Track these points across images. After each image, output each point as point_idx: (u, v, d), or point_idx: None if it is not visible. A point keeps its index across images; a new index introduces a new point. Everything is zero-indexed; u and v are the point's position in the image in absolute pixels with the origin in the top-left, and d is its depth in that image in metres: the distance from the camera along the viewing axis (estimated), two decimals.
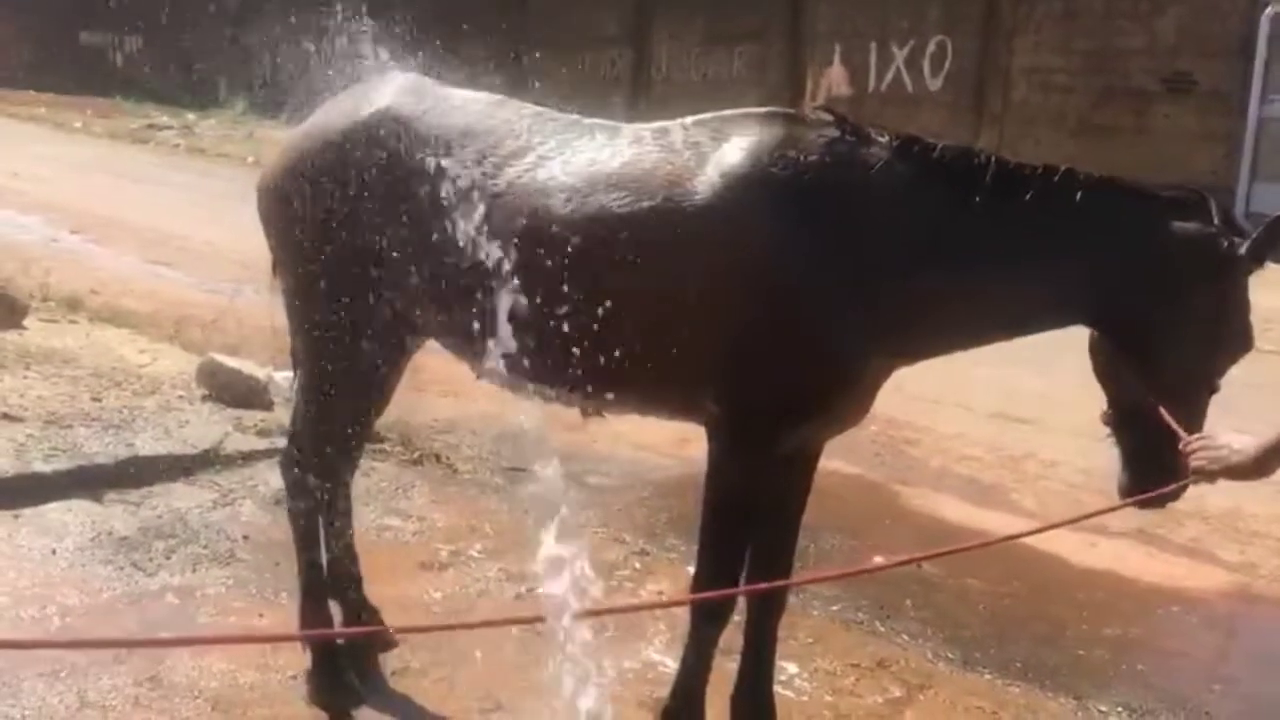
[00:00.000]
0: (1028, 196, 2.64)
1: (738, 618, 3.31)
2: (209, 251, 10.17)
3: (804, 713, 3.55)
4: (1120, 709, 3.81)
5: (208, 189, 13.28)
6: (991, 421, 6.87)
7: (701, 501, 2.95)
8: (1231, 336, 2.66)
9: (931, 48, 15.72)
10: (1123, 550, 5.20)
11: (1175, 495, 2.65)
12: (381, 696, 3.54)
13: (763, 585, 2.98)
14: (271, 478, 5.12)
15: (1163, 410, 2.63)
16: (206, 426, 5.57)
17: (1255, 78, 13.09)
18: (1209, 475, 2.47)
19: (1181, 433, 2.57)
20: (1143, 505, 2.71)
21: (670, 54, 19.28)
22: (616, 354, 2.75)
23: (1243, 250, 2.56)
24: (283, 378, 6.37)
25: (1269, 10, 12.87)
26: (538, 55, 19.27)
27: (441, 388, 6.32)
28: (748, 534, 3.00)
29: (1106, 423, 2.81)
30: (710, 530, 2.94)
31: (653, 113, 3.11)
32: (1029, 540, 5.21)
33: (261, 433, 5.58)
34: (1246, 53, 13.08)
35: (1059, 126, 14.42)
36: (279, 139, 3.91)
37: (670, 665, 3.59)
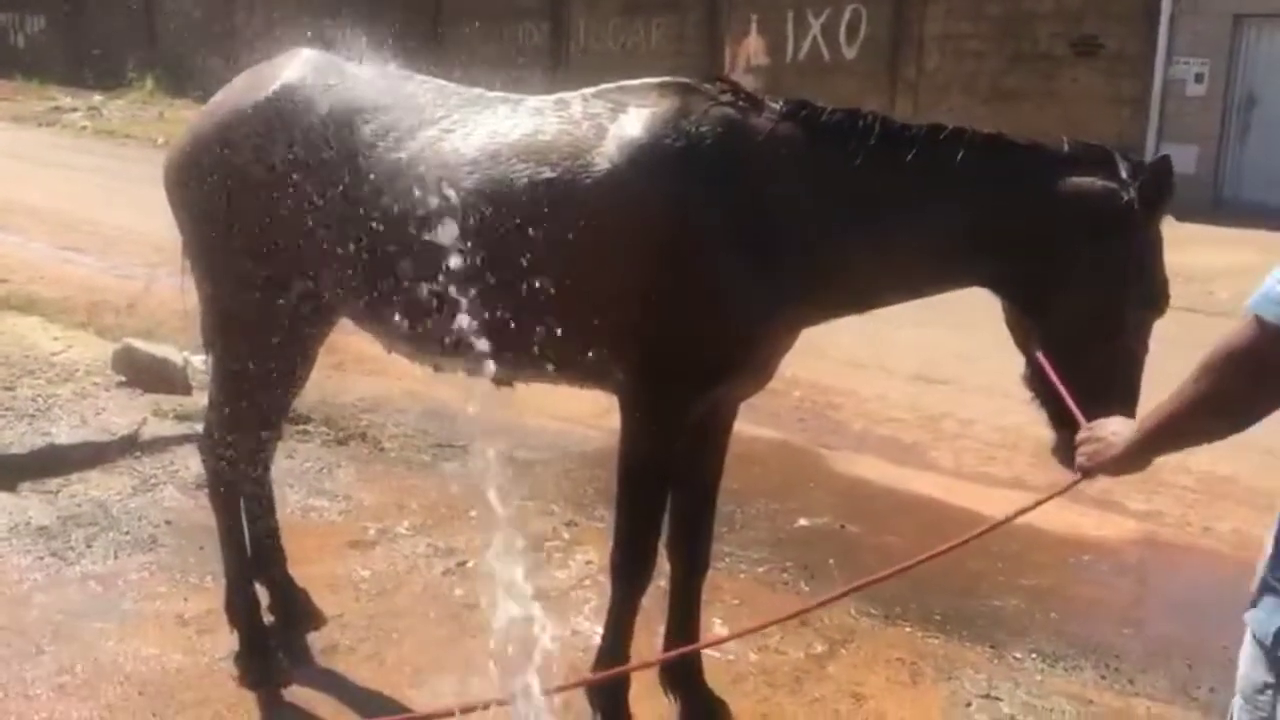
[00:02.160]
0: (914, 155, 2.66)
1: (662, 583, 3.38)
2: (120, 235, 9.96)
3: (730, 671, 3.62)
4: (1034, 655, 3.95)
5: (117, 171, 12.99)
6: (912, 383, 7.01)
7: (616, 469, 3.00)
8: (1140, 293, 2.58)
9: (847, 16, 15.85)
10: None
11: (1065, 492, 2.40)
12: (311, 675, 3.54)
13: (822, 600, 2.98)
14: (192, 462, 5.07)
15: (1061, 388, 2.56)
16: (124, 413, 5.49)
17: (1160, 40, 13.40)
18: (1088, 473, 2.24)
19: (1079, 416, 2.42)
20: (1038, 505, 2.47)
21: (588, 25, 19.20)
22: (523, 324, 2.77)
23: (1131, 196, 2.54)
24: (200, 361, 6.28)
25: None
26: (455, 28, 19.10)
27: (365, 367, 6.29)
28: (664, 500, 3.05)
29: (1028, 386, 2.78)
30: (626, 497, 2.99)
31: (571, 84, 3.11)
32: (945, 497, 5.38)
33: (180, 417, 5.50)
34: (1151, 15, 13.39)
35: (971, 92, 14.66)
36: (189, 118, 3.85)
37: (599, 633, 3.65)
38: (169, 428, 5.38)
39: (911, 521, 5.07)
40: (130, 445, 5.17)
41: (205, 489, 4.75)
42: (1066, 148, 2.67)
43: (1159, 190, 2.53)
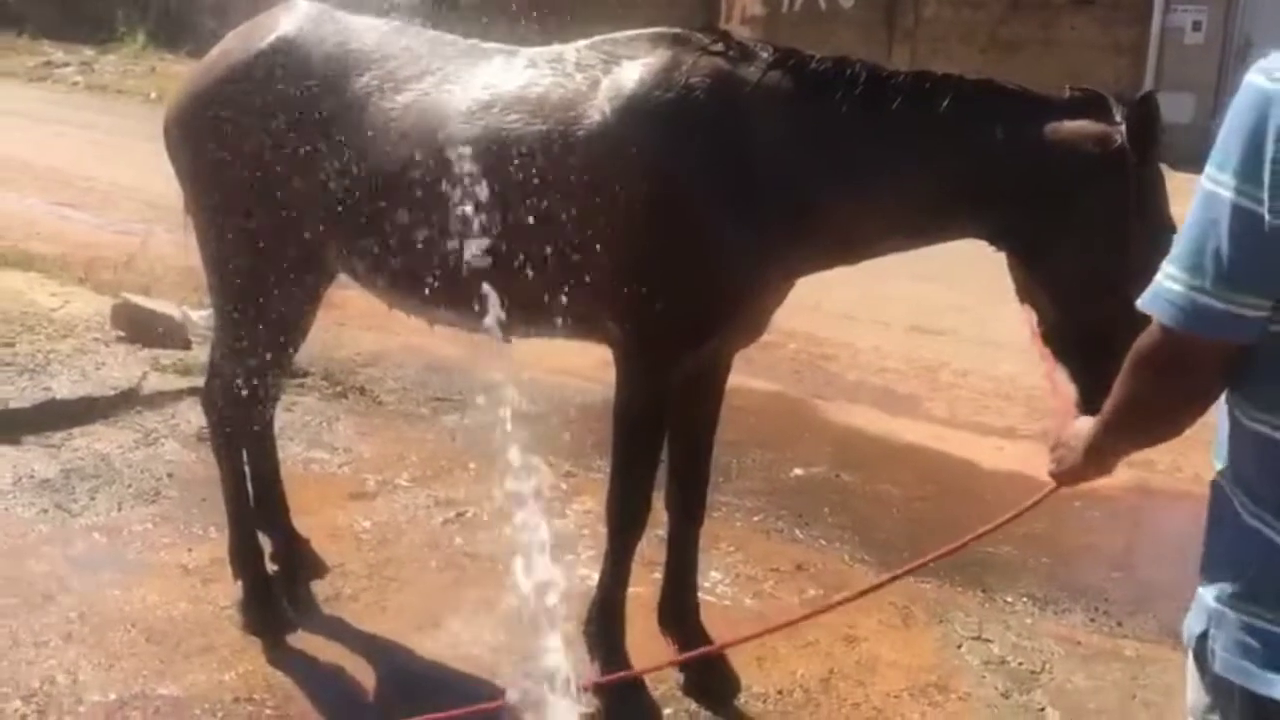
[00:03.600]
0: (900, 103, 2.64)
1: (660, 531, 3.44)
2: (115, 191, 9.93)
3: (727, 617, 3.69)
4: (1025, 599, 4.02)
5: (110, 127, 12.91)
6: (907, 335, 7.05)
7: (612, 421, 3.04)
8: (1141, 242, 2.41)
9: None
10: (1028, 452, 5.39)
11: (1040, 502, 2.33)
12: (314, 623, 3.61)
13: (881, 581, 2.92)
14: (193, 416, 5.11)
15: (1042, 351, 2.52)
16: (124, 367, 5.52)
17: None
18: (1059, 481, 2.10)
19: (1056, 385, 2.37)
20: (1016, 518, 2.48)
21: None
22: (516, 277, 2.80)
23: (1120, 139, 2.47)
24: (199, 316, 6.33)
25: None
26: None
27: (364, 321, 6.31)
28: (658, 451, 3.09)
29: (1045, 342, 2.65)
30: (621, 448, 3.03)
31: (568, 36, 3.12)
32: (940, 445, 5.45)
33: (180, 371, 5.54)
34: None
35: (969, 41, 14.56)
36: (181, 73, 3.85)
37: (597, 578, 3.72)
38: (169, 382, 5.42)
39: (906, 470, 5.14)
40: (131, 399, 5.21)
41: (207, 442, 4.83)
42: (1058, 94, 2.63)
43: (1145, 130, 2.46)
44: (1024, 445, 5.46)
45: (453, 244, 2.76)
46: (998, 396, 6.11)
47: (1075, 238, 2.54)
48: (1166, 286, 1.53)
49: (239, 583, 3.59)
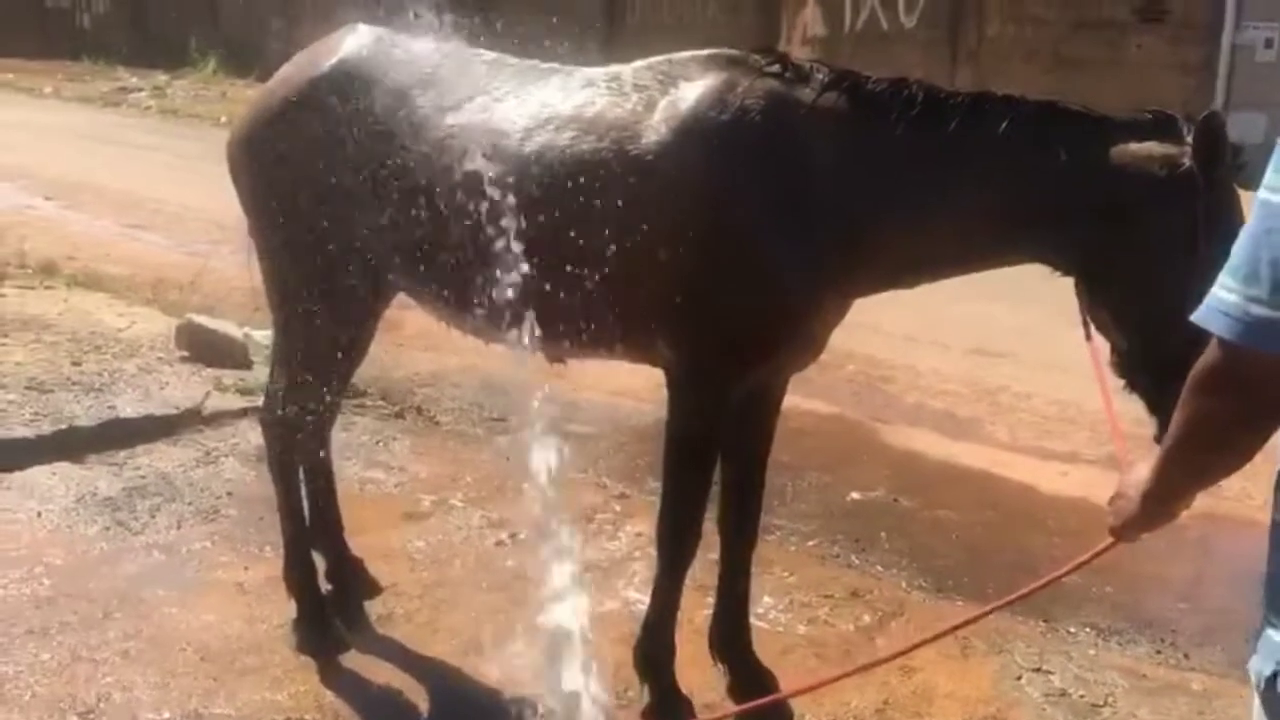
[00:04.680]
0: (958, 125, 2.59)
1: (712, 555, 3.40)
2: (184, 213, 10.12)
3: (779, 643, 3.64)
4: (1089, 629, 3.92)
5: (181, 150, 13.18)
6: (967, 357, 6.95)
7: (664, 443, 3.02)
8: (1211, 267, 2.37)
9: None
10: (1094, 477, 5.28)
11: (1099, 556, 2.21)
12: (367, 642, 3.62)
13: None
14: (253, 435, 5.15)
15: (1102, 381, 2.43)
16: (187, 387, 5.61)
17: (1228, 5, 13.04)
18: (1118, 535, 1.97)
19: (1112, 417, 2.26)
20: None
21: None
22: (572, 298, 2.79)
23: (1188, 161, 2.38)
24: (261, 336, 6.40)
25: None
26: (509, 2, 19.06)
27: (422, 342, 6.35)
28: (710, 474, 3.06)
29: (1116, 371, 2.58)
30: (672, 471, 3.01)
31: (626, 57, 3.12)
32: (1000, 470, 5.35)
33: (242, 391, 5.61)
34: None
35: (1033, 61, 14.36)
36: (250, 98, 3.91)
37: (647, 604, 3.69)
38: (231, 401, 5.50)
39: (965, 495, 5.05)
40: (193, 418, 5.29)
41: (265, 461, 4.90)
42: (1125, 114, 2.56)
43: (1211, 150, 2.36)
44: (1087, 471, 5.34)
45: (509, 265, 2.76)
46: (1061, 421, 5.99)
47: (1141, 263, 2.45)
48: (1220, 297, 1.48)
49: (293, 602, 3.61)
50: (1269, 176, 1.42)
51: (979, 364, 6.83)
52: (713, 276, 2.74)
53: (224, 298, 7.16)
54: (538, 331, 2.87)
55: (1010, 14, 14.82)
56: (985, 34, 14.99)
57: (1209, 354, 1.52)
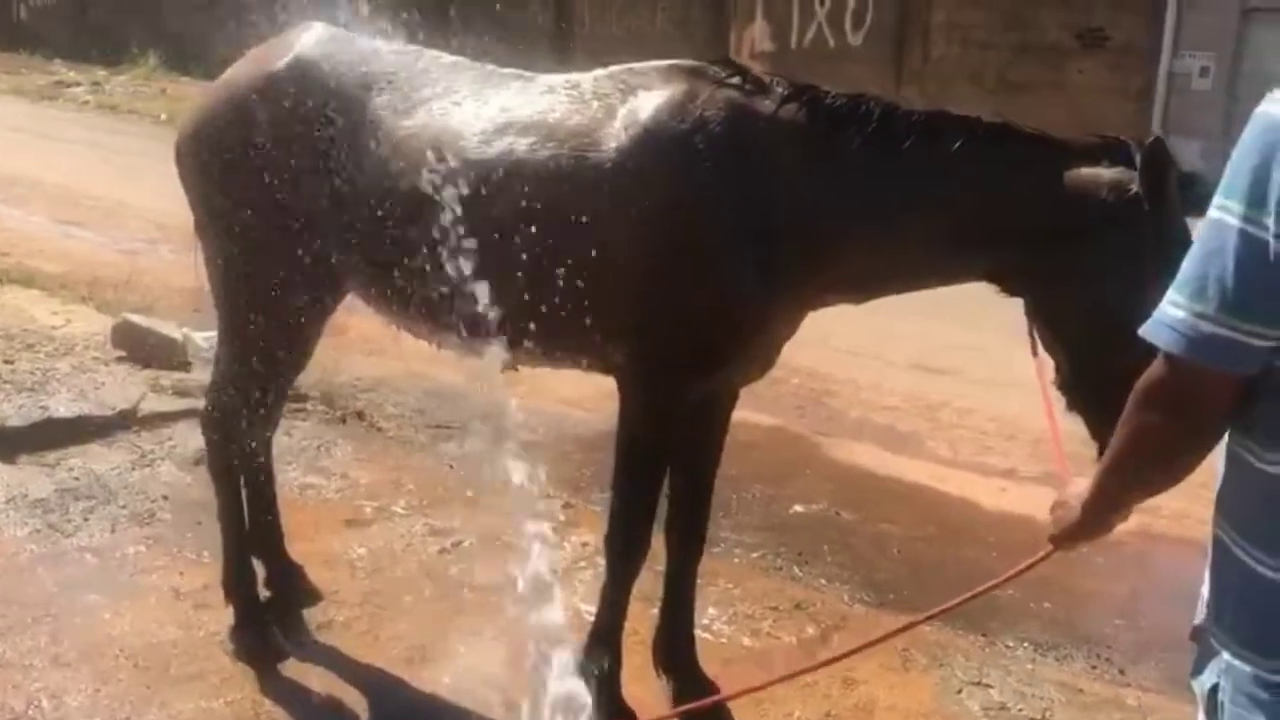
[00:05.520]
0: (915, 142, 2.61)
1: (659, 566, 3.39)
2: (121, 210, 9.95)
3: (722, 655, 3.64)
4: (1026, 644, 3.96)
5: (119, 147, 12.96)
6: (909, 372, 7.01)
7: (615, 452, 3.01)
8: (1157, 289, 2.39)
9: (852, 3, 15.77)
10: (1033, 494, 5.34)
11: (1037, 565, 2.25)
12: (306, 651, 3.56)
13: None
14: (190, 438, 5.09)
15: (1046, 402, 2.46)
16: (122, 387, 5.49)
17: (1166, 32, 13.35)
18: (1057, 544, 2.01)
19: (1056, 436, 2.31)
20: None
21: (592, 8, 19.13)
22: (525, 303, 2.78)
23: (1135, 187, 2.42)
24: (200, 337, 6.31)
25: None
26: (463, 9, 19.01)
27: (366, 346, 6.29)
28: (660, 484, 3.06)
29: (1060, 389, 2.61)
30: (622, 480, 3.00)
31: (575, 67, 3.12)
32: (941, 485, 5.40)
33: (179, 393, 5.51)
34: (1158, 8, 13.33)
35: (978, 83, 14.59)
36: (192, 95, 3.86)
37: (593, 613, 3.67)
38: (167, 403, 5.39)
39: (906, 509, 5.09)
40: (129, 420, 5.18)
41: (203, 464, 4.79)
42: (1079, 138, 2.60)
43: (1157, 176, 2.41)
44: (1027, 487, 5.42)
45: (463, 268, 2.74)
46: (1001, 437, 6.07)
47: (1089, 284, 2.49)
48: (1169, 313, 1.50)
49: (231, 608, 3.54)
50: (1218, 197, 1.44)
51: (921, 379, 6.90)
52: (669, 284, 2.73)
53: (161, 297, 7.05)
54: (492, 337, 2.84)
55: (955, 36, 15.06)
56: (930, 55, 15.21)
57: (1154, 368, 1.54)
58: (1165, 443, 1.57)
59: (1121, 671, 3.86)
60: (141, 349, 5.93)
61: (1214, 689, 1.54)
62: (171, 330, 6.07)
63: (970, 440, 6.04)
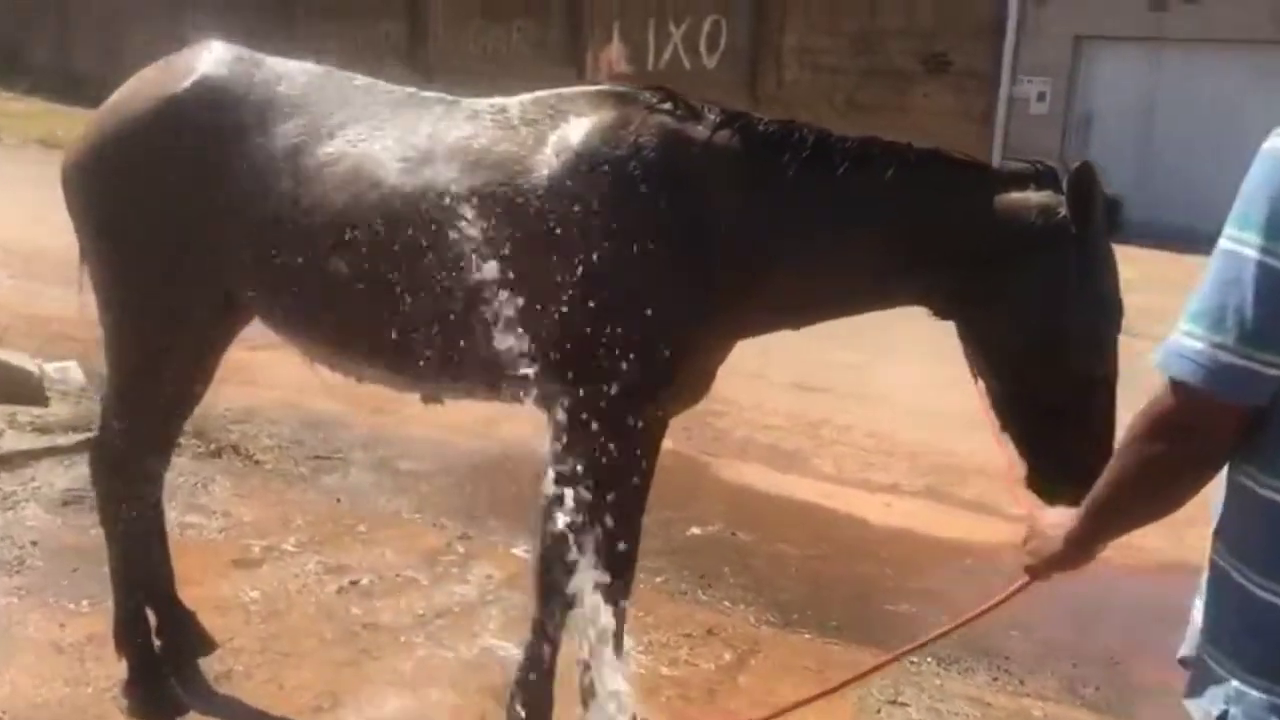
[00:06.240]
0: (847, 169, 2.63)
1: None
2: None
3: (644, 685, 3.58)
4: (930, 659, 4.02)
5: None
6: (789, 391, 7.11)
7: (542, 482, 2.93)
8: (1083, 312, 2.46)
9: (707, 27, 16.05)
10: (916, 509, 5.50)
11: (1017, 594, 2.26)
12: (207, 703, 3.36)
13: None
14: (55, 478, 4.80)
15: (994, 426, 2.52)
16: None
17: (1005, 59, 14.00)
18: (1035, 574, 2.03)
19: (1012, 458, 2.39)
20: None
21: (448, 27, 18.95)
22: (451, 333, 2.69)
23: (1063, 211, 2.47)
24: (55, 369, 5.96)
25: None
26: (310, 27, 18.59)
27: (236, 376, 6.02)
28: (588, 515, 2.99)
29: (992, 409, 2.64)
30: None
31: (432, 86, 3.07)
32: (829, 503, 5.48)
33: (39, 429, 5.18)
34: (998, 35, 13.98)
35: (829, 105, 15.01)
36: (69, 118, 3.62)
37: (507, 650, 3.58)
38: (28, 440, 5.06)
39: (799, 528, 5.14)
40: None
41: (73, 506, 4.52)
42: (1008, 165, 2.66)
43: (1083, 200, 2.46)
44: (909, 502, 5.56)
45: (386, 299, 2.63)
46: (880, 453, 6.20)
47: (1018, 307, 2.54)
48: (1185, 344, 1.50)
49: (124, 661, 3.32)
50: (1230, 229, 1.48)
51: (800, 398, 7.01)
52: (601, 312, 2.68)
53: (9, 326, 6.62)
54: (415, 370, 2.74)
55: (806, 61, 15.48)
56: (784, 78, 15.60)
57: (1161, 400, 1.54)
58: (1172, 473, 1.58)
59: (1021, 682, 3.96)
60: None
61: (1223, 716, 1.56)
62: (27, 362, 5.71)
63: (852, 457, 6.15)
